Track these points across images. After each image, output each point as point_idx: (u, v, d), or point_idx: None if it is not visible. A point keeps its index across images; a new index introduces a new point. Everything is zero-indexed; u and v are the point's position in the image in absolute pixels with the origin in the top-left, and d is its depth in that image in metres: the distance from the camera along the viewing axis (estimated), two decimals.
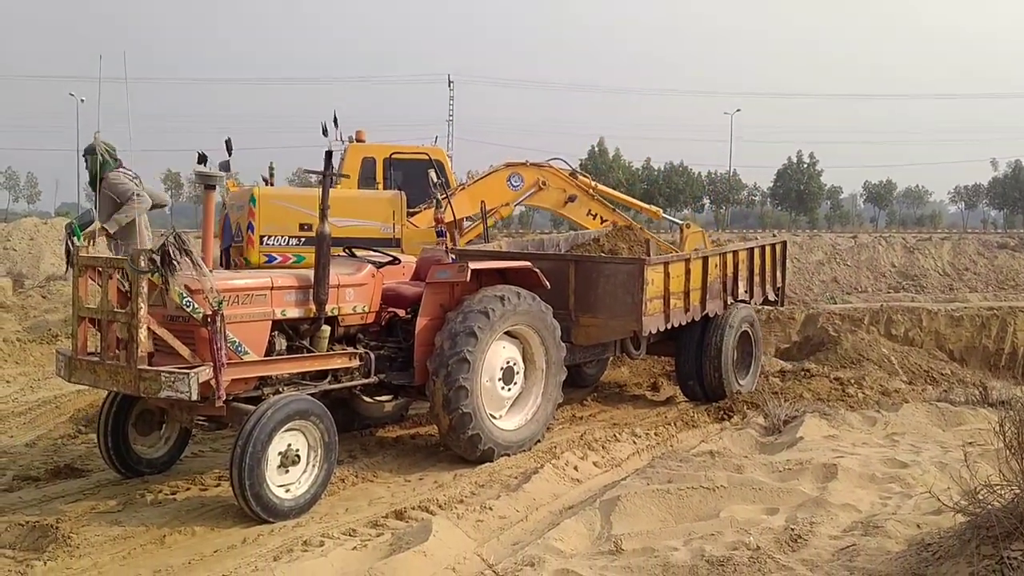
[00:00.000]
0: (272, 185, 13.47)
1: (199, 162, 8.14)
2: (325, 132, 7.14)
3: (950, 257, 37.96)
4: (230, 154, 6.64)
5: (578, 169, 12.95)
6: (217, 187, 6.27)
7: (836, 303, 27.23)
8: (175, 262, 5.51)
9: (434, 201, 11.13)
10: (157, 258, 5.47)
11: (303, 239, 11.12)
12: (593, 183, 12.34)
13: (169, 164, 78.01)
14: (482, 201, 11.99)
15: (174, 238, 5.53)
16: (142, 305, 5.48)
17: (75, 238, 5.90)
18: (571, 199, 12.08)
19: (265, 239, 10.82)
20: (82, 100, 77.72)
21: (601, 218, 12.05)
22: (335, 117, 10.74)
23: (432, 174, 11.09)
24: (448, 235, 11.44)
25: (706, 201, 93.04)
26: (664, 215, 13.74)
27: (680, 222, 12.79)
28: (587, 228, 12.16)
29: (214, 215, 6.21)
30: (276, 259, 10.91)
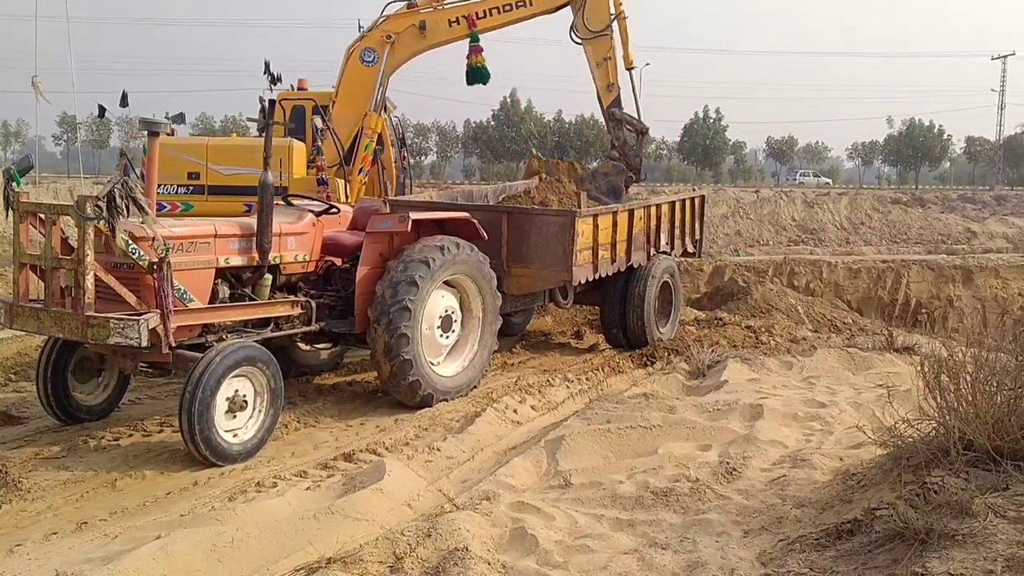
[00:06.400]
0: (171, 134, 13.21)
1: (99, 115, 7.99)
2: (276, 81, 7.11)
3: (847, 212, 39.62)
4: (125, 105, 6.57)
5: None
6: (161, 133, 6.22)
7: (739, 255, 28.23)
8: (121, 209, 5.49)
9: (315, 148, 10.90)
10: (103, 205, 5.44)
11: (191, 187, 11.10)
12: None
13: (65, 107, 74.33)
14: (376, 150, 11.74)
15: (121, 185, 5.50)
16: (89, 252, 5.45)
17: (15, 183, 5.77)
18: (422, 27, 11.41)
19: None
20: None
21: (464, 19, 11.35)
22: (267, 64, 10.59)
23: (317, 120, 10.78)
24: (328, 182, 11.07)
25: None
26: None
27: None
28: (456, 40, 11.54)
29: (156, 162, 6.16)
30: (165, 207, 10.79)
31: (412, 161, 13.43)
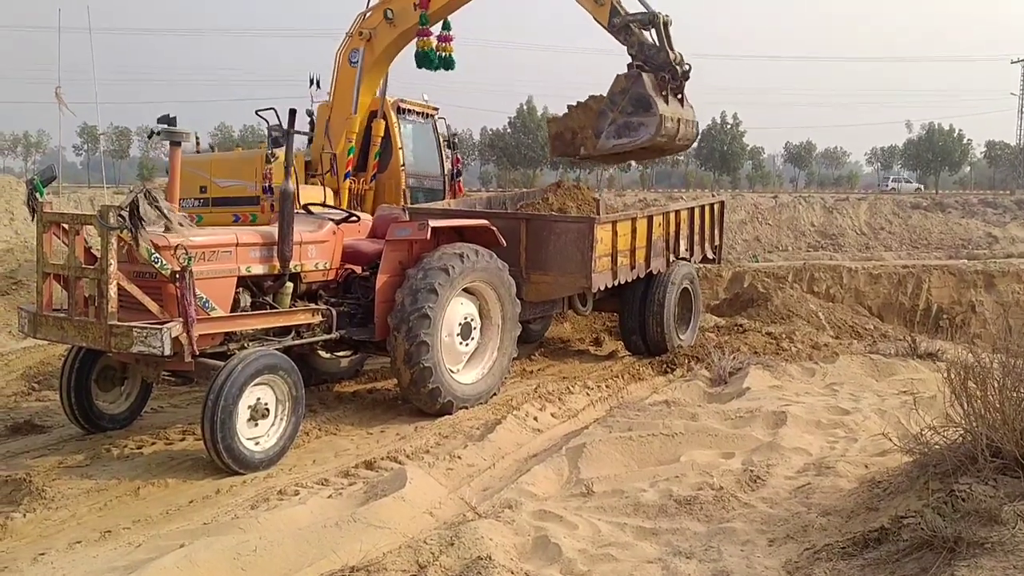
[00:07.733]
0: (200, 150, 13.39)
1: (149, 137, 8.10)
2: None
3: (867, 217, 39.44)
4: (174, 124, 6.68)
5: None
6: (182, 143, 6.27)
7: (758, 261, 28.15)
8: (144, 218, 5.53)
9: (270, 156, 10.82)
10: (126, 214, 5.48)
11: (201, 200, 11.40)
12: None
13: (86, 118, 74.64)
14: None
15: (144, 194, 5.54)
16: (112, 261, 5.49)
17: (38, 194, 5.83)
18: (387, 16, 11.27)
19: None
20: None
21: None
22: (311, 77, 10.76)
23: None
24: (274, 190, 10.81)
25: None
26: None
27: None
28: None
29: (179, 171, 6.20)
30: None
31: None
